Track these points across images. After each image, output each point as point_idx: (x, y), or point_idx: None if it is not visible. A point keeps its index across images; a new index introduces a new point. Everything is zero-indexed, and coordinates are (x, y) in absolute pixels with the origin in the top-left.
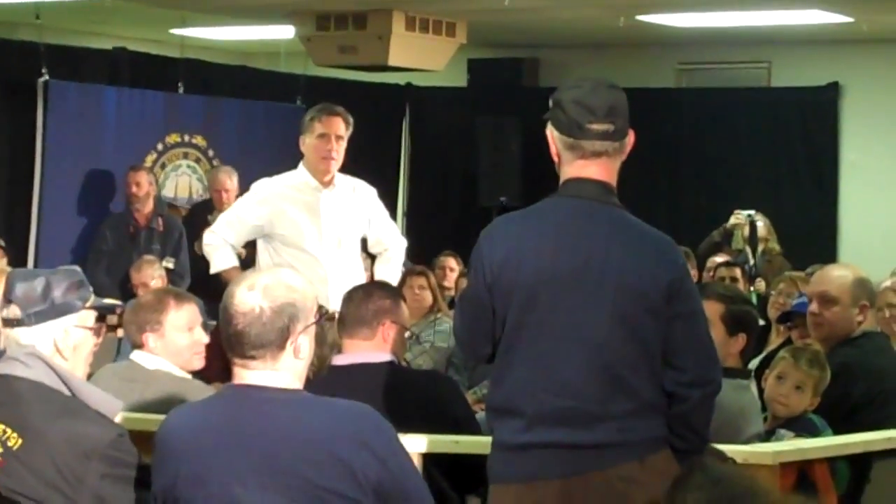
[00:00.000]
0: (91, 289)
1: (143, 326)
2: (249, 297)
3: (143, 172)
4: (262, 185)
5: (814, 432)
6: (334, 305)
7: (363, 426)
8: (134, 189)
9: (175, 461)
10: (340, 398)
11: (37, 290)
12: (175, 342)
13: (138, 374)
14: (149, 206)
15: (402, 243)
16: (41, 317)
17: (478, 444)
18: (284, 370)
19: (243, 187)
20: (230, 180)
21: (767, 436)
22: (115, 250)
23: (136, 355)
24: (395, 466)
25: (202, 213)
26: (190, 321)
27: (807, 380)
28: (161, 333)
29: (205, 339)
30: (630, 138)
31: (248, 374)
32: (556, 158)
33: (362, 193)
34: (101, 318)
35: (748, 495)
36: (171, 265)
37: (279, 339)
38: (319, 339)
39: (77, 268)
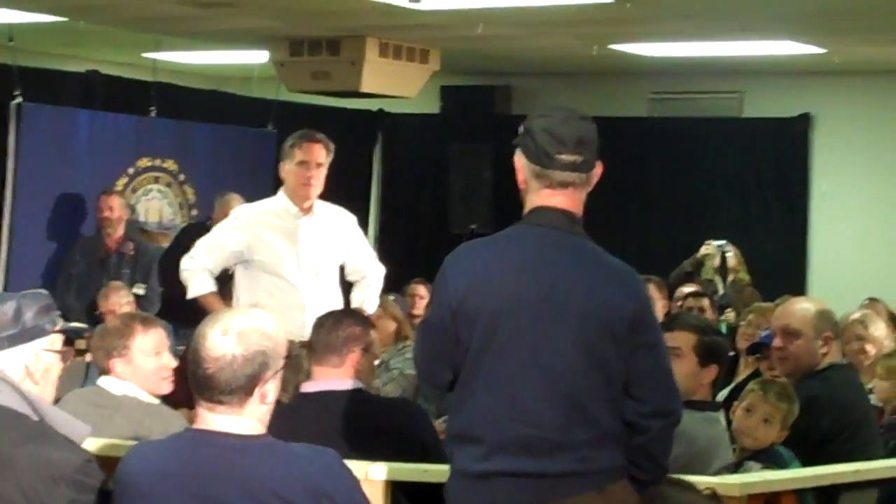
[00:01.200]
0: (59, 312)
1: (111, 352)
2: (222, 343)
3: (115, 196)
4: (241, 211)
5: (781, 464)
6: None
7: (323, 476)
8: (106, 213)
9: None
10: (303, 438)
11: (8, 314)
12: (142, 367)
13: (106, 399)
14: (120, 231)
15: (381, 271)
16: (13, 340)
17: (446, 472)
18: (249, 416)
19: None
20: None
21: (735, 468)
22: (85, 274)
23: (103, 381)
24: None
25: (192, 236)
26: (157, 345)
27: (775, 413)
28: (128, 358)
29: (172, 363)
30: (598, 170)
31: (213, 417)
32: (522, 186)
33: (341, 221)
34: (68, 342)
35: None
36: (141, 291)
37: (248, 386)
38: (295, 368)
39: (45, 291)
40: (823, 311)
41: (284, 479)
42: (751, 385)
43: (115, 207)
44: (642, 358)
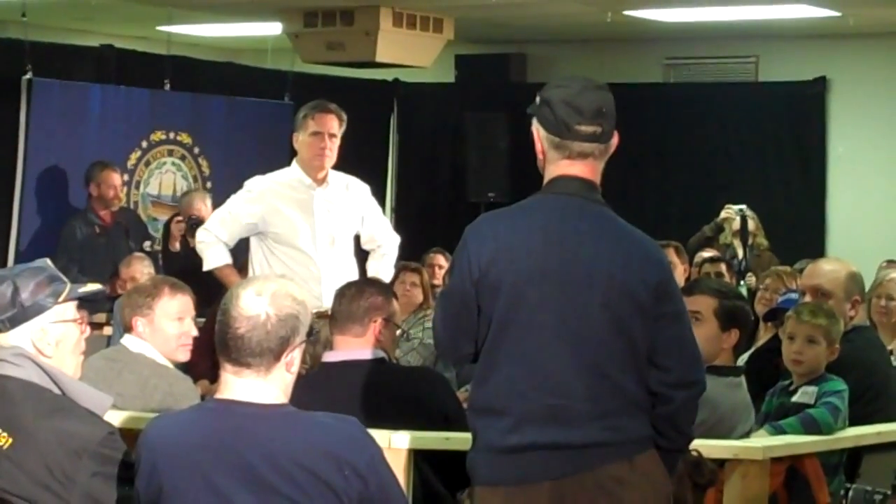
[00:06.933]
0: (66, 281)
1: (135, 310)
2: (256, 303)
3: (118, 174)
4: (255, 183)
5: (836, 389)
6: (328, 304)
7: (346, 444)
8: (112, 193)
9: (158, 476)
10: (325, 408)
11: (6, 296)
12: (163, 330)
13: (120, 355)
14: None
15: (396, 240)
16: (14, 321)
17: (468, 440)
18: (274, 383)
19: (229, 185)
20: (204, 206)
21: (790, 393)
22: (87, 249)
23: (125, 338)
24: (377, 485)
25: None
26: (181, 311)
27: (815, 331)
28: (150, 319)
29: (193, 331)
30: (614, 140)
31: (239, 382)
32: (540, 156)
33: (355, 191)
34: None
35: None
36: (154, 247)
37: (278, 350)
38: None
39: (45, 261)
40: (853, 273)
41: (307, 447)
42: (787, 314)
43: (119, 185)
44: (666, 327)
